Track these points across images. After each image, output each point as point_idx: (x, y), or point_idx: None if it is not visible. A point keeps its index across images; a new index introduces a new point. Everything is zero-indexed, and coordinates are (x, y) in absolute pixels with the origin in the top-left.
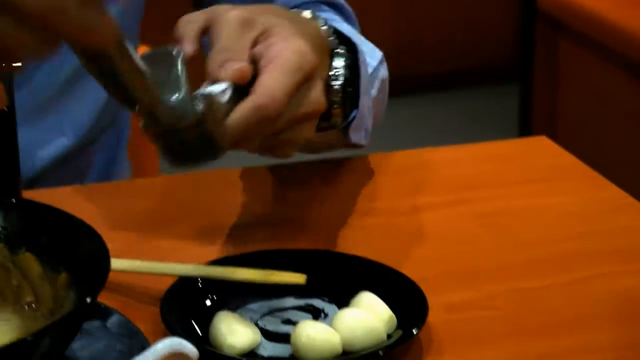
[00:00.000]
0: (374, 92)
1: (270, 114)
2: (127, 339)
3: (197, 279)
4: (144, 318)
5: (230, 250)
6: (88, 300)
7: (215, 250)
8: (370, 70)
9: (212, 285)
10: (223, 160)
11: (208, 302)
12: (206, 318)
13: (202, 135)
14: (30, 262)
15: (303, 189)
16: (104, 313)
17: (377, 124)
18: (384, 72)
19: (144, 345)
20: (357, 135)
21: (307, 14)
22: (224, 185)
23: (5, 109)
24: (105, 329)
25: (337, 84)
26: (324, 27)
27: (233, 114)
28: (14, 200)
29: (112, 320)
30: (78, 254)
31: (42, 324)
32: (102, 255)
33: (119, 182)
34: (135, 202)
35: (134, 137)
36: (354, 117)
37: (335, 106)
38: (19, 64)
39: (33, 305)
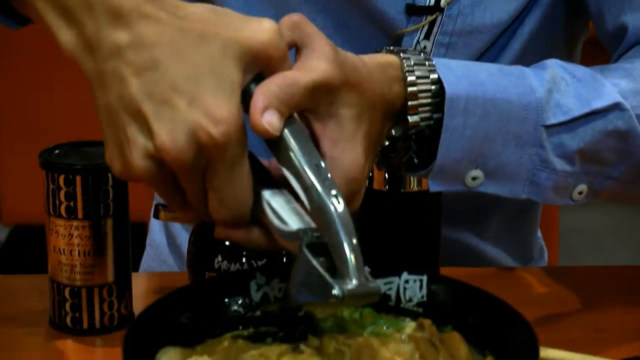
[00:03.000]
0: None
1: None
2: None
3: None
4: None
5: None
6: None
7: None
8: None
9: None
10: None
11: None
12: None
13: None
14: (457, 341)
15: None
16: None
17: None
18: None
19: None
20: (445, 186)
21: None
22: None
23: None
24: None
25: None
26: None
27: None
28: (443, 279)
29: None
30: (505, 339)
31: None
32: (531, 345)
33: (542, 268)
34: (555, 288)
35: None
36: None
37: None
38: None
39: None
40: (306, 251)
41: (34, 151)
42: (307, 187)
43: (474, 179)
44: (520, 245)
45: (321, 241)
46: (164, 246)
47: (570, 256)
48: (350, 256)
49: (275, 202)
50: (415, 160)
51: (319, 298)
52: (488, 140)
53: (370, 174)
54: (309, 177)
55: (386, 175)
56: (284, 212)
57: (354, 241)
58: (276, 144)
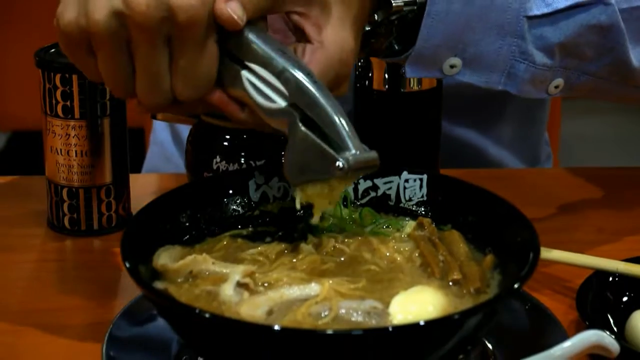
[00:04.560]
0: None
1: None
2: (544, 328)
3: (615, 274)
4: (558, 307)
5: None
6: (516, 286)
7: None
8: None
9: (629, 282)
10: None
11: (624, 299)
12: (621, 314)
13: None
14: (457, 239)
15: None
16: (524, 300)
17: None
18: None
19: (563, 335)
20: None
21: None
22: None
23: (435, 86)
24: (524, 315)
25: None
26: None
27: None
28: (442, 178)
29: (532, 308)
30: (506, 237)
31: (468, 303)
32: (533, 243)
33: (544, 169)
34: (558, 190)
35: None
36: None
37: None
38: None
39: (459, 283)
40: (301, 125)
41: (29, 52)
42: (281, 71)
43: (452, 66)
44: (527, 147)
45: (310, 118)
46: (169, 142)
47: (571, 164)
48: (344, 127)
49: (258, 81)
50: (396, 47)
51: (320, 173)
52: (469, 28)
53: (370, 74)
54: (279, 61)
55: (386, 75)
56: (269, 91)
57: (343, 114)
58: (239, 43)
